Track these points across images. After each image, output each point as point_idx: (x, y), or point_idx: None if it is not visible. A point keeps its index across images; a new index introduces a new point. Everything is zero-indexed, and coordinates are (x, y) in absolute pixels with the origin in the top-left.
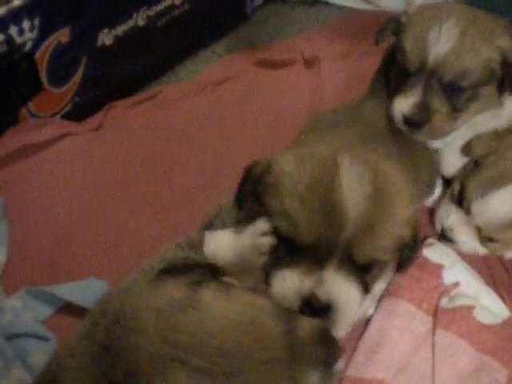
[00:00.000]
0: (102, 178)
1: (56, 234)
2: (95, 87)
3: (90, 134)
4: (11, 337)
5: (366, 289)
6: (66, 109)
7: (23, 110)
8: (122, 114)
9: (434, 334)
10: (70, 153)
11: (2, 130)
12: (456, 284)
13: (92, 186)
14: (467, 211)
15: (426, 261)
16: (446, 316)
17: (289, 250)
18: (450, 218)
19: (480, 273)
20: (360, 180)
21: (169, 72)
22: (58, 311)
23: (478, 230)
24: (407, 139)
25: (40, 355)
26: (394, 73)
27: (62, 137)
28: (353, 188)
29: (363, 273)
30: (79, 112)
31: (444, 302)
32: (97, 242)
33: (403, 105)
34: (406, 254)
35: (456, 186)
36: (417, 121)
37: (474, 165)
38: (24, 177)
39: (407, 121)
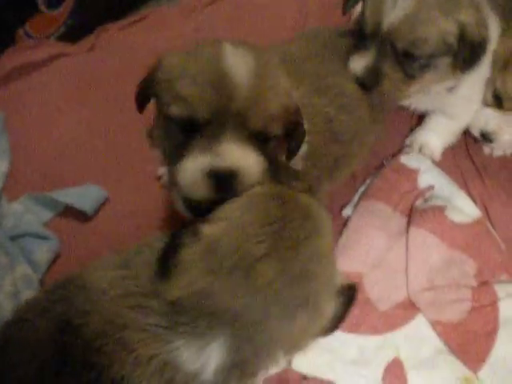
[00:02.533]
0: (95, 94)
1: (54, 146)
2: (88, 10)
3: (83, 55)
4: (14, 238)
5: (268, 161)
6: (61, 31)
7: (20, 32)
8: (113, 36)
9: (407, 232)
10: (65, 72)
11: (0, 50)
12: (430, 187)
13: (85, 102)
14: (509, 108)
15: (403, 166)
16: (420, 215)
17: (186, 133)
18: (491, 121)
19: (453, 178)
20: (243, 58)
21: None
22: (58, 215)
23: None
24: None
25: (43, 253)
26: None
27: (57, 57)
28: (237, 63)
29: (261, 144)
30: (73, 34)
31: (418, 204)
32: (94, 153)
33: (356, 65)
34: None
35: (488, 94)
36: (367, 83)
37: (503, 67)
38: (22, 94)
39: (358, 81)
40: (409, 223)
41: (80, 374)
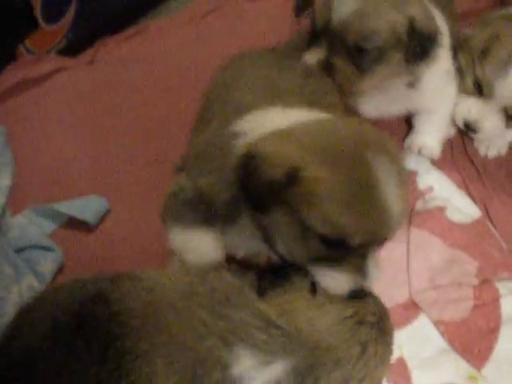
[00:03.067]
0: (95, 107)
1: (56, 159)
2: (88, 23)
3: (84, 68)
4: (19, 250)
5: None
6: (61, 45)
7: (21, 48)
8: (113, 49)
9: (408, 233)
10: (65, 85)
11: (1, 66)
12: (430, 188)
13: (87, 115)
14: (489, 95)
15: None
16: (420, 216)
17: (332, 249)
18: (473, 109)
19: (453, 178)
20: (390, 172)
21: (159, 6)
22: (61, 226)
23: (505, 110)
24: None
25: (47, 264)
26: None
27: (58, 71)
28: (389, 183)
29: None
30: (73, 48)
31: (418, 205)
32: (96, 164)
33: (309, 60)
34: None
35: (468, 81)
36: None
37: (481, 54)
38: (24, 108)
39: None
40: (409, 224)
41: (94, 339)
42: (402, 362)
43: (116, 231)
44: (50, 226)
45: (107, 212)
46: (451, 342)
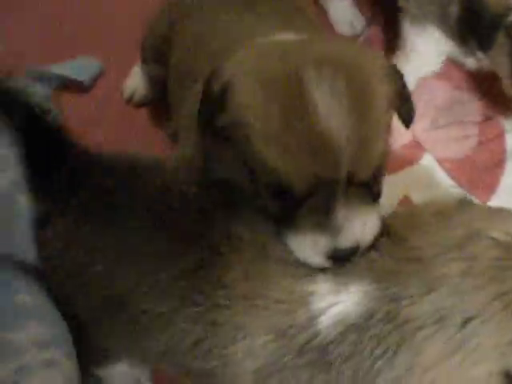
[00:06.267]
0: None
1: (48, 19)
2: None
3: None
4: None
5: (377, 196)
6: None
7: None
8: None
9: None
10: None
11: None
12: None
13: None
14: None
15: None
16: None
17: (284, 202)
18: None
19: None
20: (336, 96)
21: None
22: (56, 89)
23: None
24: None
25: None
26: None
27: None
28: (332, 111)
29: (371, 186)
30: None
31: None
32: (89, 21)
33: None
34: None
35: None
36: None
37: None
38: None
39: None
40: None
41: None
42: (408, 201)
43: (110, 92)
44: (45, 89)
45: (101, 73)
46: (457, 179)
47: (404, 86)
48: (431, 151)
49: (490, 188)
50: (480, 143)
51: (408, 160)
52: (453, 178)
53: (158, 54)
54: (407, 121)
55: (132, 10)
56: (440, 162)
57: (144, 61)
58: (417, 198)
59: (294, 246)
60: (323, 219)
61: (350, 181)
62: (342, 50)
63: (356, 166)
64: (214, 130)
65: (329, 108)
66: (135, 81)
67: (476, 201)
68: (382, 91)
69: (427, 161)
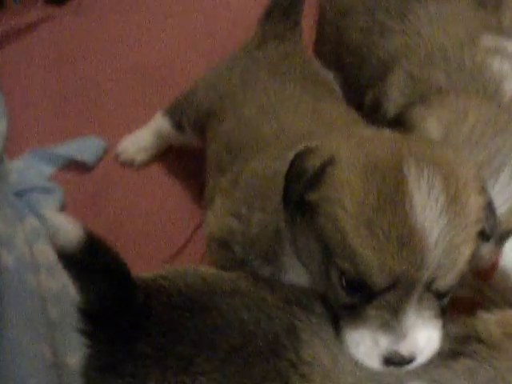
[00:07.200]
0: (86, 50)
1: (52, 103)
2: None
3: (69, 17)
4: (20, 193)
5: (444, 313)
6: None
7: None
8: None
9: None
10: (53, 32)
11: None
12: None
13: (76, 57)
14: None
15: None
16: None
17: (354, 293)
18: None
19: None
20: (433, 195)
21: None
22: (59, 169)
23: None
24: None
25: (48, 205)
26: None
27: (44, 20)
28: (427, 208)
29: (441, 299)
30: None
31: None
32: (89, 107)
33: None
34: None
35: None
36: None
37: None
38: (17, 54)
39: None
40: None
41: None
42: None
43: (114, 169)
44: (48, 169)
45: (105, 151)
46: None
47: (491, 200)
48: None
49: None
50: None
51: None
52: None
53: (199, 123)
54: (489, 235)
55: (133, 86)
56: None
57: (180, 128)
58: None
59: (351, 341)
60: (390, 319)
61: (428, 286)
62: (440, 151)
63: (439, 272)
64: (296, 206)
65: (424, 204)
66: (141, 145)
67: None
68: (475, 201)
69: None
